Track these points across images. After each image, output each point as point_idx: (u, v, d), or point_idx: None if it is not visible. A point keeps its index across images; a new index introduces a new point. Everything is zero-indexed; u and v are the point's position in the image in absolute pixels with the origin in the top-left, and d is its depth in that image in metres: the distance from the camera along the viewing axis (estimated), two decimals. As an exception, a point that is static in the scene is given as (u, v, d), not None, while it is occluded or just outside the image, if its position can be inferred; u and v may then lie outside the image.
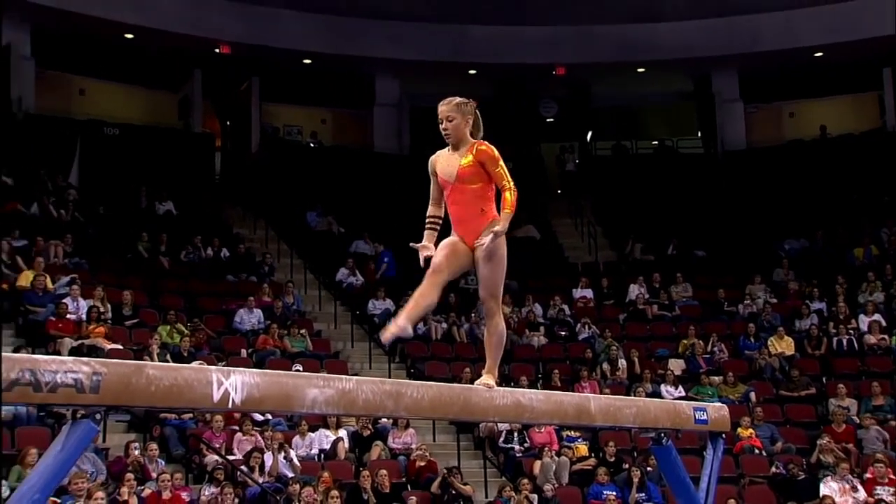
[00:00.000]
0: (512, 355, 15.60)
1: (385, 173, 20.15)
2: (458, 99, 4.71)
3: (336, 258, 17.15)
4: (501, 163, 4.63)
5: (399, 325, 4.35)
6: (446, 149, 4.75)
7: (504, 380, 13.94)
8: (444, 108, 4.68)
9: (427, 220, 4.80)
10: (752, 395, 14.64)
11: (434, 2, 20.20)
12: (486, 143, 4.67)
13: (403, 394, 4.26)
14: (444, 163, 4.72)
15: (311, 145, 21.83)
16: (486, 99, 22.89)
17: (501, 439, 13.33)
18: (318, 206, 18.81)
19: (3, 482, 9.09)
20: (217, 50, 19.54)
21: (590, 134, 23.03)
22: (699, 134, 22.58)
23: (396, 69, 20.85)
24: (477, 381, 4.63)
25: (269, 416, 12.05)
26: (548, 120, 22.40)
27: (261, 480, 10.95)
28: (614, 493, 11.99)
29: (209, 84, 20.53)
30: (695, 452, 11.28)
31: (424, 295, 4.49)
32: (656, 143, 23.12)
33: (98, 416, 3.44)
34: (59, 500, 9.09)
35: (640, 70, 21.28)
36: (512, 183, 4.59)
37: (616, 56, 20.45)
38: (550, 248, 19.87)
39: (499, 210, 4.68)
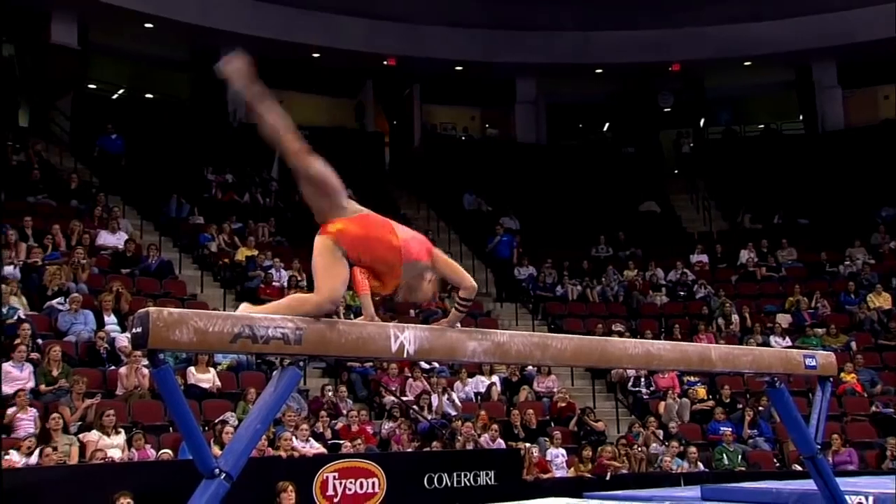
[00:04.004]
0: (638, 312, 15.37)
1: (526, 160, 20.05)
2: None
3: (486, 233, 17.18)
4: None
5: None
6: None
7: (632, 333, 13.73)
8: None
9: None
10: (853, 345, 13.92)
11: (563, 14, 19.89)
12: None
13: (549, 345, 4.22)
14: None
15: (463, 139, 21.92)
16: (611, 94, 22.52)
17: (630, 383, 13.12)
18: (470, 190, 18.86)
19: (230, 415, 9.50)
20: (385, 62, 19.80)
21: (702, 121, 22.24)
22: (801, 117, 21.46)
23: (533, 72, 20.62)
24: None
25: (435, 365, 12.20)
26: (665, 110, 21.73)
27: (429, 417, 11.12)
28: (730, 429, 11.65)
29: (379, 91, 20.86)
30: (801, 394, 10.83)
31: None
32: (762, 126, 22.09)
33: (301, 364, 3.54)
34: (274, 429, 9.48)
35: (747, 63, 20.39)
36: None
37: (724, 53, 19.63)
38: (669, 220, 19.39)
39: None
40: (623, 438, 11.50)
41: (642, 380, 13.02)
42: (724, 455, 11.37)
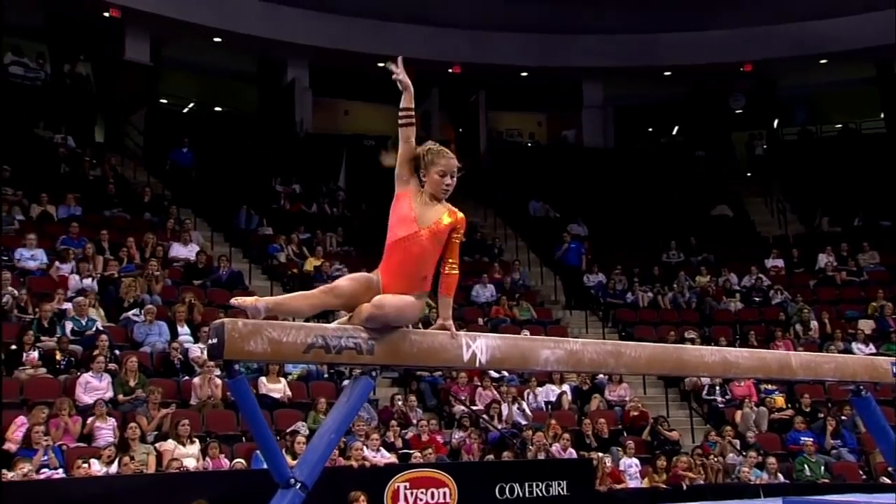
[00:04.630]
0: (711, 319, 15.10)
1: (593, 165, 19.89)
2: (453, 156, 3.72)
3: (554, 239, 17.08)
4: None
5: (258, 304, 3.35)
6: (419, 190, 3.67)
7: (705, 340, 13.48)
8: (449, 161, 3.65)
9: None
10: (942, 352, 13.39)
11: (630, 15, 19.70)
12: (459, 211, 3.72)
13: (623, 353, 4.19)
14: (421, 203, 3.63)
15: (529, 145, 21.86)
16: (679, 96, 22.16)
17: (705, 392, 12.88)
18: (537, 196, 18.79)
19: (301, 425, 9.64)
20: (450, 70, 19.90)
21: (776, 122, 21.76)
22: (882, 115, 20.81)
23: (600, 75, 20.49)
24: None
25: (505, 373, 12.16)
26: (737, 111, 21.36)
27: (499, 427, 11.08)
28: (811, 439, 11.34)
29: (444, 99, 20.93)
30: (885, 404, 10.48)
31: (302, 301, 3.54)
32: (840, 126, 21.50)
33: (373, 374, 3.57)
34: (345, 439, 9.57)
35: (823, 61, 19.88)
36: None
37: (798, 51, 19.18)
38: (743, 224, 19.01)
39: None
40: (698, 448, 11.30)
41: (717, 388, 12.77)
42: (806, 466, 11.07)
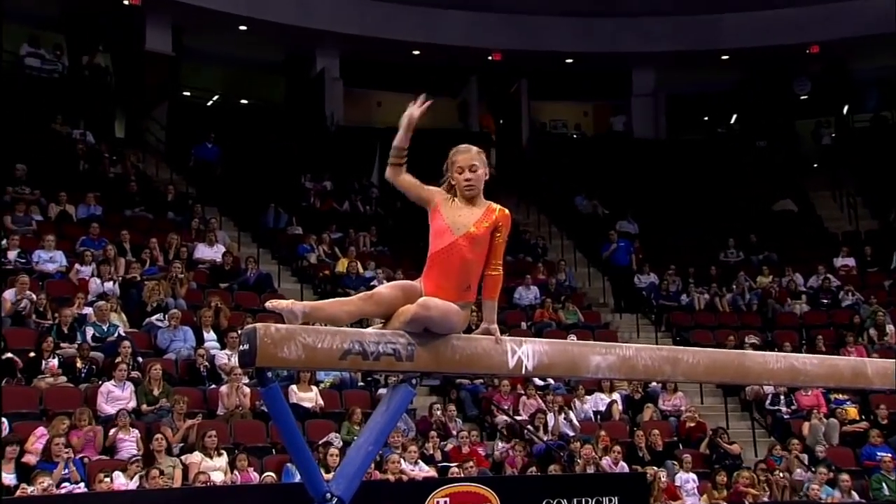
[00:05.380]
0: (775, 322, 14.93)
1: (644, 158, 19.76)
2: (476, 148, 3.72)
3: (601, 238, 17.00)
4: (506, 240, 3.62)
5: (294, 308, 3.37)
6: (448, 194, 3.67)
7: (767, 346, 13.32)
8: (464, 156, 3.65)
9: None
10: None
11: (685, -4, 19.56)
12: (503, 207, 3.69)
13: (680, 359, 4.17)
14: (453, 210, 3.61)
15: (575, 136, 21.78)
16: (737, 82, 21.81)
17: (768, 401, 12.73)
18: (584, 192, 18.72)
19: (335, 436, 9.69)
20: (490, 58, 19.89)
21: (846, 108, 21.43)
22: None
23: (651, 61, 20.36)
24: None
25: (550, 381, 12.13)
26: (801, 97, 21.07)
27: (545, 438, 11.06)
28: (889, 455, 11.13)
29: (484, 88, 20.97)
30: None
31: (340, 308, 3.54)
32: (919, 111, 21.13)
33: (414, 381, 3.59)
34: (381, 451, 9.61)
35: (897, 41, 19.54)
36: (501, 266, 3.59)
37: (871, 29, 18.78)
38: (808, 219, 18.79)
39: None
40: (762, 463, 11.16)
41: (782, 397, 12.61)
42: (884, 484, 10.86)
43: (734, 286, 15.75)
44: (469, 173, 3.63)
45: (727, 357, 4.45)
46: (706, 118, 22.31)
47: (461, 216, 3.60)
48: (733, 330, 14.15)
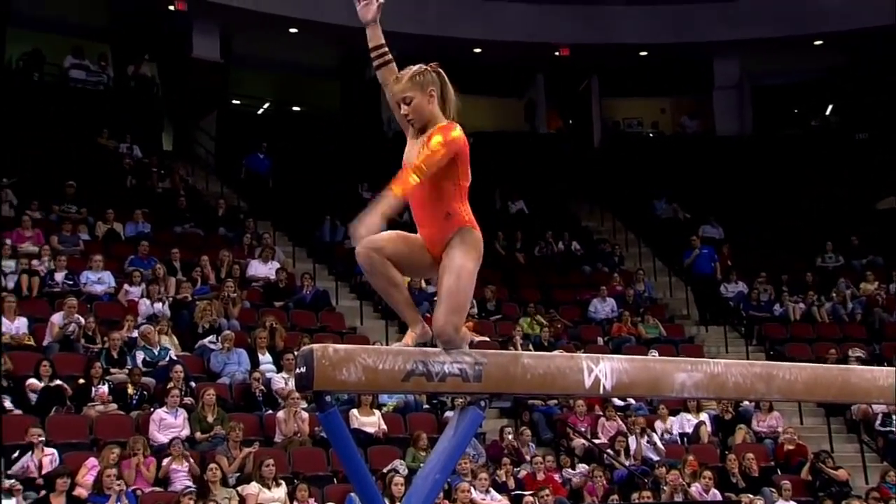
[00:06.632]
0: (882, 334, 14.58)
1: (728, 156, 19.50)
2: (412, 70, 3.64)
3: (683, 244, 16.81)
4: (443, 146, 3.50)
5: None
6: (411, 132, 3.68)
7: (875, 360, 13.00)
8: (396, 88, 3.61)
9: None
10: None
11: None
12: (455, 122, 3.64)
13: (775, 376, 4.08)
14: (409, 146, 3.65)
15: (651, 135, 21.61)
16: (834, 69, 21.25)
17: (878, 422, 12.42)
18: (663, 195, 18.55)
19: (399, 463, 9.71)
20: (557, 53, 19.85)
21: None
22: None
23: (735, 50, 20.08)
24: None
25: (631, 401, 12.01)
26: (906, 85, 20.60)
27: (627, 463, 10.95)
28: None
29: (551, 86, 20.93)
30: None
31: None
32: None
33: (482, 404, 3.58)
34: (450, 479, 9.60)
35: None
36: (425, 173, 3.46)
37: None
38: (918, 218, 18.32)
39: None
40: (874, 490, 10.89)
41: (894, 417, 12.29)
42: None
43: (833, 294, 15.45)
44: (405, 107, 3.61)
45: (829, 373, 4.37)
46: (797, 111, 21.96)
47: (412, 150, 3.63)
48: (835, 343, 13.92)
